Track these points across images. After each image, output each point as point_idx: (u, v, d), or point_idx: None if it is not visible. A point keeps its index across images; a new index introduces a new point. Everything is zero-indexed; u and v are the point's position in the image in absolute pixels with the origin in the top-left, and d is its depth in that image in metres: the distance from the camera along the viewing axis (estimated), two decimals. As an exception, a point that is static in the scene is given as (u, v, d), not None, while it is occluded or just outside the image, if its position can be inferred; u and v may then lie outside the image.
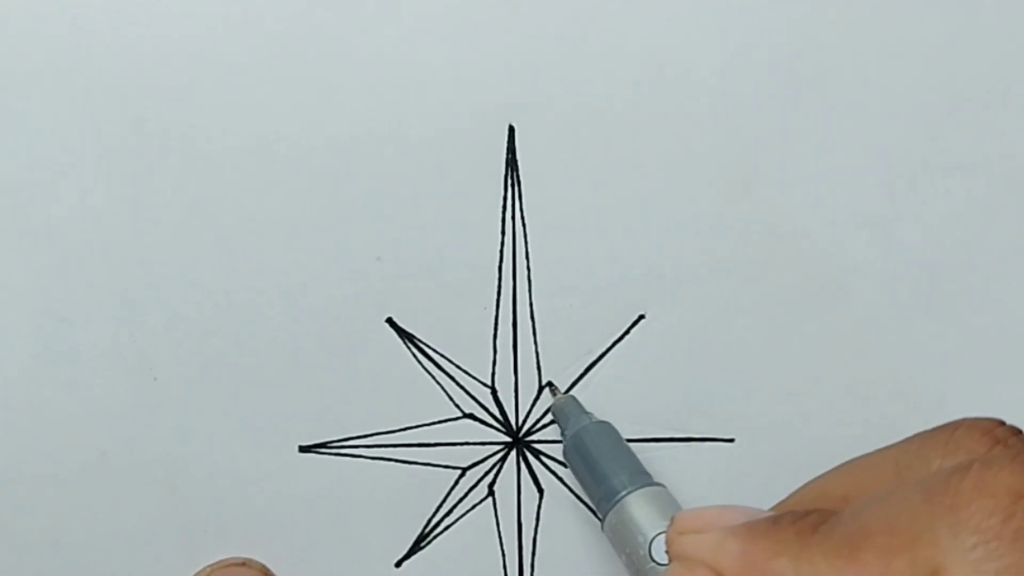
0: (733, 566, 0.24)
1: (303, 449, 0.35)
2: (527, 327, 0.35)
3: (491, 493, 0.35)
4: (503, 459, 0.35)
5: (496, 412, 0.35)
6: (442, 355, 0.35)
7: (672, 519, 0.27)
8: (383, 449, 0.35)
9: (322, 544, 0.35)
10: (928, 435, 0.24)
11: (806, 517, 0.24)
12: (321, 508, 0.35)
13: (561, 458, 0.35)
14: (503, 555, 0.35)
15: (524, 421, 0.35)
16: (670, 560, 0.26)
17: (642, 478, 0.31)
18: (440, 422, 0.35)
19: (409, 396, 0.35)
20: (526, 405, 0.35)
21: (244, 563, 0.34)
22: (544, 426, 0.35)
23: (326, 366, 0.34)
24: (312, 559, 0.35)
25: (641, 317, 0.35)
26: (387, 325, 0.35)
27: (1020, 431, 0.24)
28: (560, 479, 0.35)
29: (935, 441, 0.24)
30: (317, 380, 0.35)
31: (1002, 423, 0.24)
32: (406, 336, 0.35)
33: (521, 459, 0.35)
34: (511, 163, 0.34)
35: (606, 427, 0.33)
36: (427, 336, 0.35)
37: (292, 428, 0.35)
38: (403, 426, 0.35)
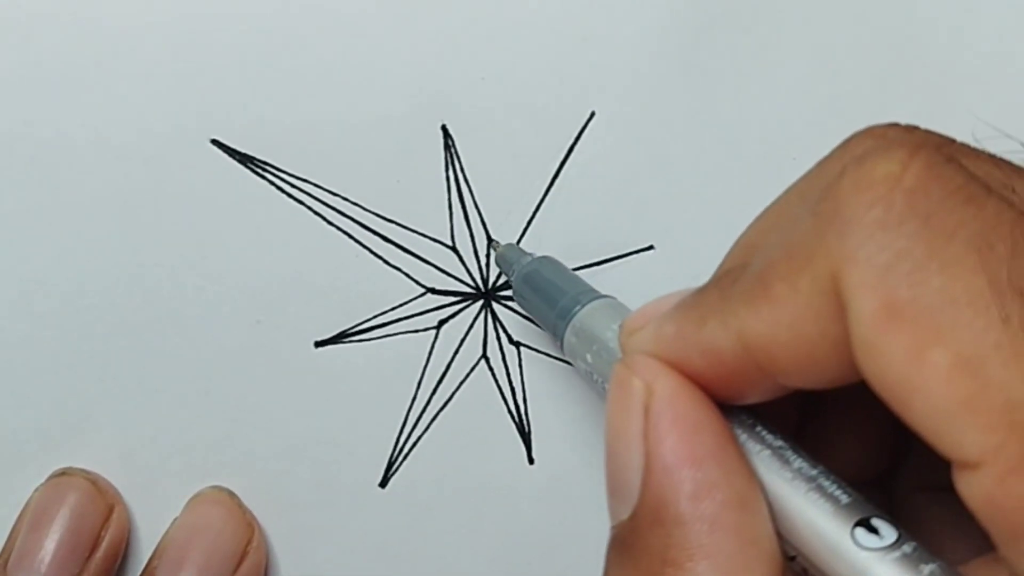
0: (671, 347, 0.23)
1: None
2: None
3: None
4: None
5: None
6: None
7: (621, 325, 0.27)
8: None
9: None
10: (827, 155, 0.23)
11: (726, 274, 0.23)
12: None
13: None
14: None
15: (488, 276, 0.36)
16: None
17: (591, 294, 0.30)
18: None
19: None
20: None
21: (64, 472, 0.34)
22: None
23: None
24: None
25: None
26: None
27: (903, 125, 0.23)
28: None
29: (830, 158, 0.23)
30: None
31: (897, 124, 0.23)
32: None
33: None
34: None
35: (548, 260, 0.33)
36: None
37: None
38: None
